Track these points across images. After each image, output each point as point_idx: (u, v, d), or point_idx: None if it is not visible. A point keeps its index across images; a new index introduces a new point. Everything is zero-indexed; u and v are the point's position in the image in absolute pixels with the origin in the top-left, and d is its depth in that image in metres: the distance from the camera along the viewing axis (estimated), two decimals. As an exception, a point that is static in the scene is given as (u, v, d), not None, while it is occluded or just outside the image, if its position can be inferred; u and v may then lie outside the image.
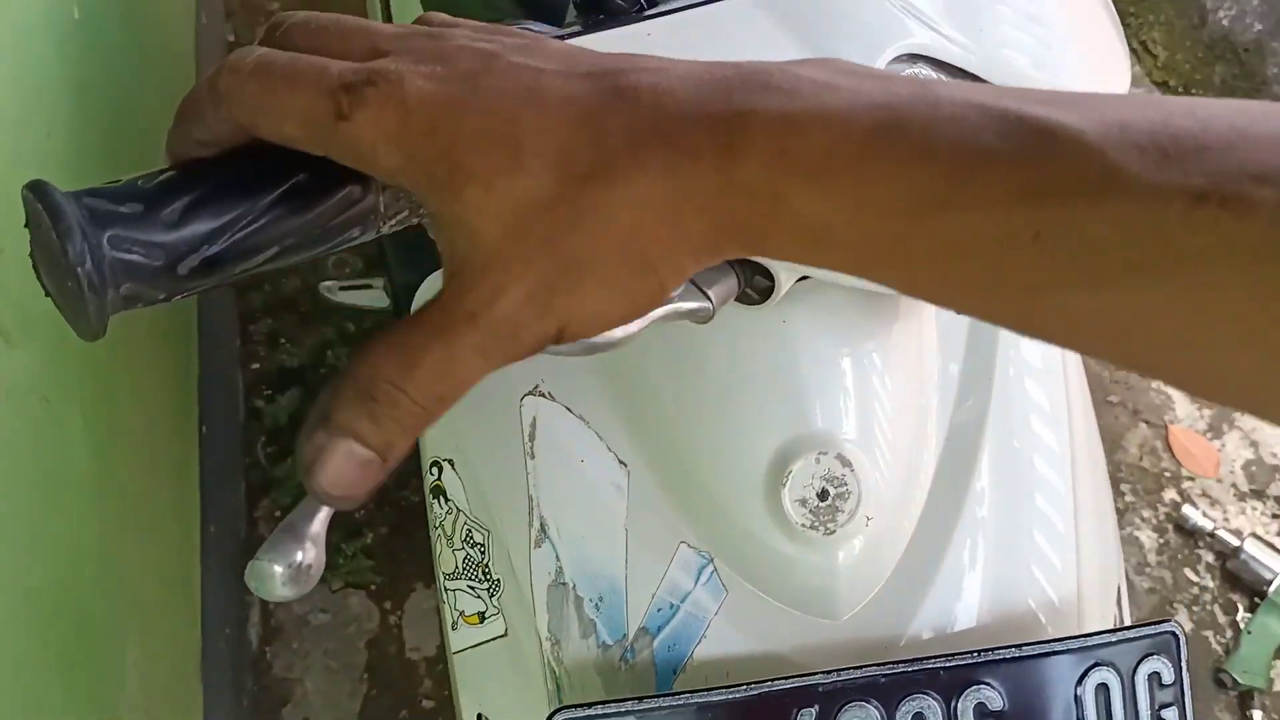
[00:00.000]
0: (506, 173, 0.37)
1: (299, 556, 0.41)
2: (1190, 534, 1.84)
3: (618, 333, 0.46)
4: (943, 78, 0.61)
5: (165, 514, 1.40)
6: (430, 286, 0.77)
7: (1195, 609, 1.81)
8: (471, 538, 0.72)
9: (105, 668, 1.08)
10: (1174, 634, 0.67)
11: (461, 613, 0.72)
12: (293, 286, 2.06)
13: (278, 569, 0.40)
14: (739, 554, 0.68)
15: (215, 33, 2.24)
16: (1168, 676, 0.66)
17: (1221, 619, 1.79)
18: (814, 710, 0.63)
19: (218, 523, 1.59)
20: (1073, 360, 0.77)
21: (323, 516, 0.42)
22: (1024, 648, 0.65)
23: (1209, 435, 1.99)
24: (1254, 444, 1.98)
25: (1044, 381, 0.74)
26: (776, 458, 0.66)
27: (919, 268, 0.37)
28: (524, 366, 0.72)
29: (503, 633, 0.71)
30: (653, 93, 0.38)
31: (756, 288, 0.58)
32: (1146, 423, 2.00)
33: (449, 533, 0.73)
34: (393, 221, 0.47)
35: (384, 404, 0.37)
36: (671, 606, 0.68)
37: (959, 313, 0.41)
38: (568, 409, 0.71)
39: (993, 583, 0.70)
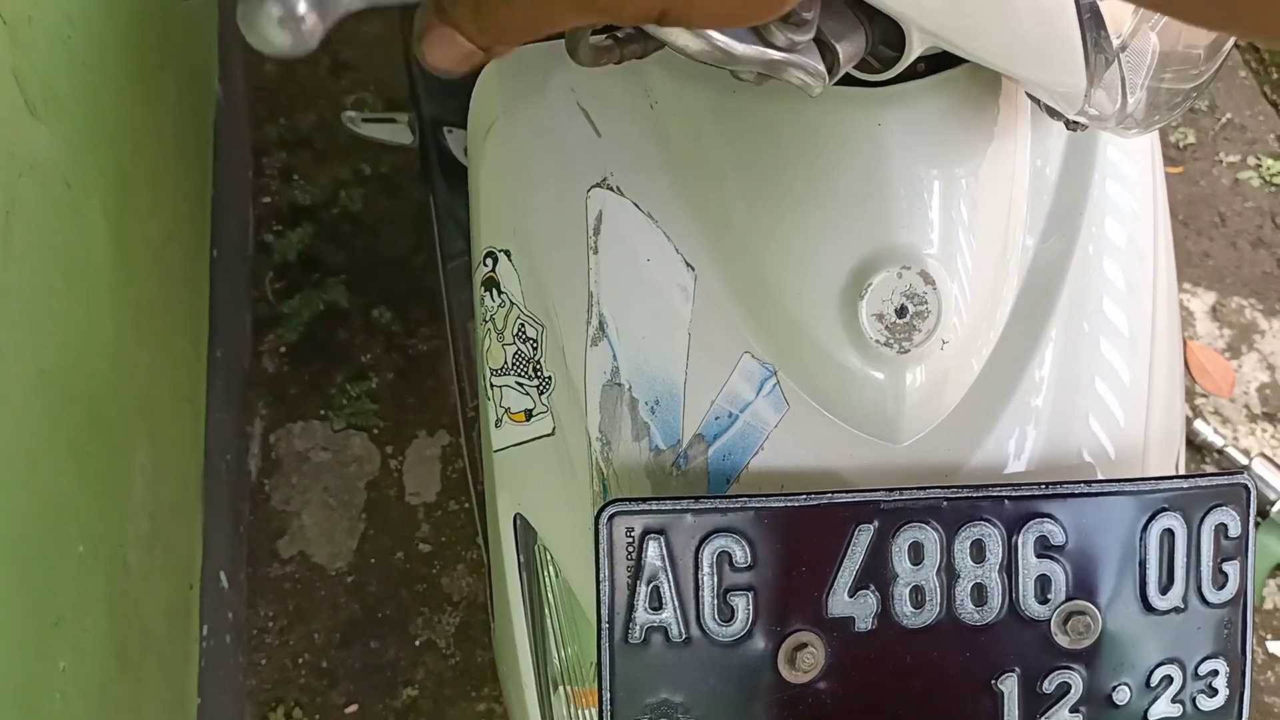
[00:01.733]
0: None
1: (301, 7, 0.35)
2: (1199, 449, 1.83)
3: (721, 40, 0.42)
4: None
5: (177, 328, 1.37)
6: (490, 75, 0.73)
7: (1195, 523, 1.81)
8: (524, 332, 0.69)
9: (114, 464, 1.06)
10: (1245, 486, 0.65)
11: (508, 409, 0.70)
12: (309, 123, 2.00)
13: (272, 7, 0.35)
14: (805, 368, 0.65)
15: None
16: (1234, 529, 0.64)
17: (1221, 534, 1.79)
18: (872, 527, 0.61)
19: (225, 349, 1.56)
20: (1162, 206, 0.74)
21: None
22: (1092, 484, 0.63)
23: (1227, 355, 1.97)
24: (1271, 368, 1.97)
25: (1132, 226, 0.71)
26: (857, 268, 0.63)
27: None
28: (593, 156, 0.68)
29: (550, 431, 0.68)
30: None
31: (880, 57, 0.54)
32: (1165, 337, 1.98)
33: (500, 326, 0.70)
34: None
35: (487, 11, 0.37)
36: (730, 415, 0.65)
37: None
38: (636, 205, 0.67)
39: (1059, 425, 0.68)
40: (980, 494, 0.62)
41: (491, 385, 0.71)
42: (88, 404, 1.00)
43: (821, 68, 0.47)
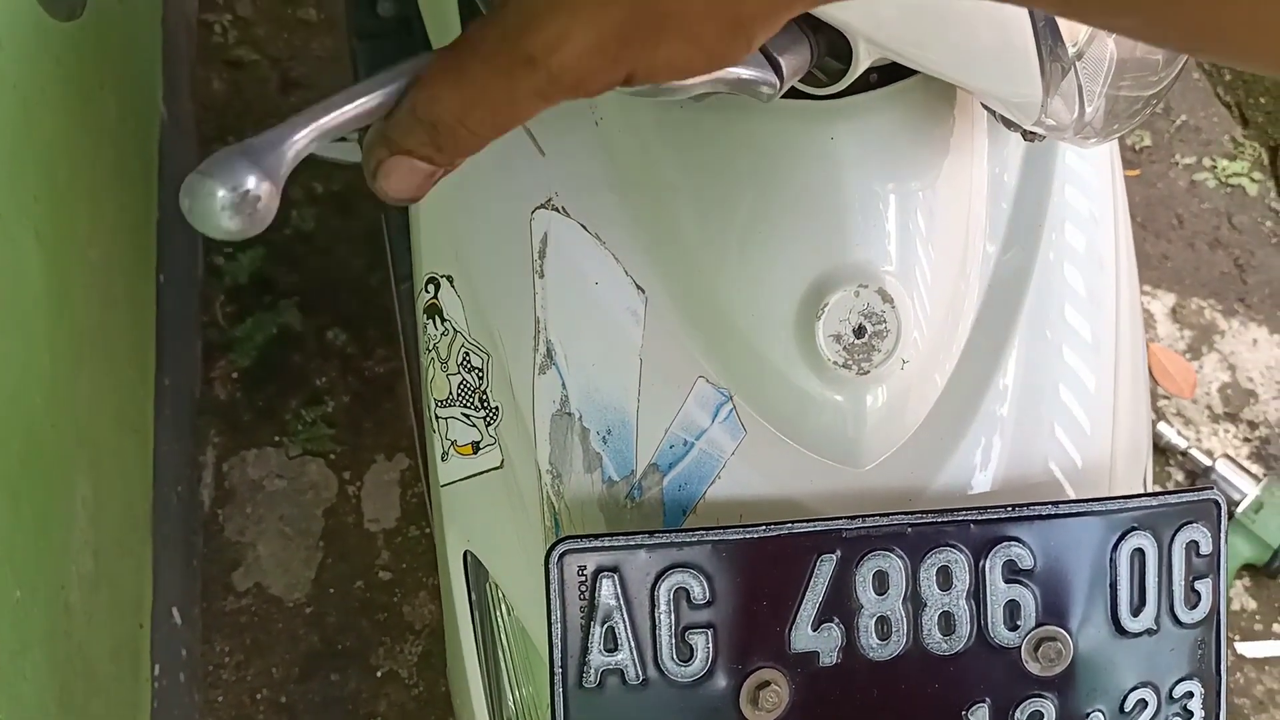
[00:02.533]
0: None
1: (250, 184, 0.33)
2: (1163, 451, 1.83)
3: (686, 81, 0.40)
4: None
5: (120, 355, 1.33)
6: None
7: (1162, 526, 1.80)
8: (469, 361, 0.66)
9: (53, 501, 1.02)
10: (1215, 502, 0.63)
11: (454, 442, 0.67)
12: (260, 142, 1.96)
13: (220, 191, 0.32)
14: (761, 392, 0.63)
15: None
16: (1205, 546, 0.63)
17: (1188, 536, 1.78)
18: (835, 556, 0.59)
19: (173, 376, 1.52)
20: (1122, 212, 0.72)
21: (292, 152, 0.35)
22: (1060, 505, 0.61)
23: (1188, 356, 1.97)
24: (1231, 367, 1.97)
25: (1093, 234, 0.69)
26: (813, 287, 0.61)
27: None
28: (537, 177, 0.66)
29: (498, 464, 0.66)
30: None
31: (827, 69, 0.52)
32: (1127, 340, 1.98)
33: (444, 355, 0.67)
34: None
35: (444, 133, 0.36)
36: (685, 444, 0.63)
37: (1112, 26, 0.35)
38: (582, 226, 0.65)
39: (1024, 441, 0.66)
40: (945, 519, 0.60)
41: (437, 417, 0.68)
42: (23, 439, 0.97)
43: (773, 77, 0.45)
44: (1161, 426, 1.84)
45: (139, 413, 1.38)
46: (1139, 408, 0.71)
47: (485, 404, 0.66)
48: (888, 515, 0.59)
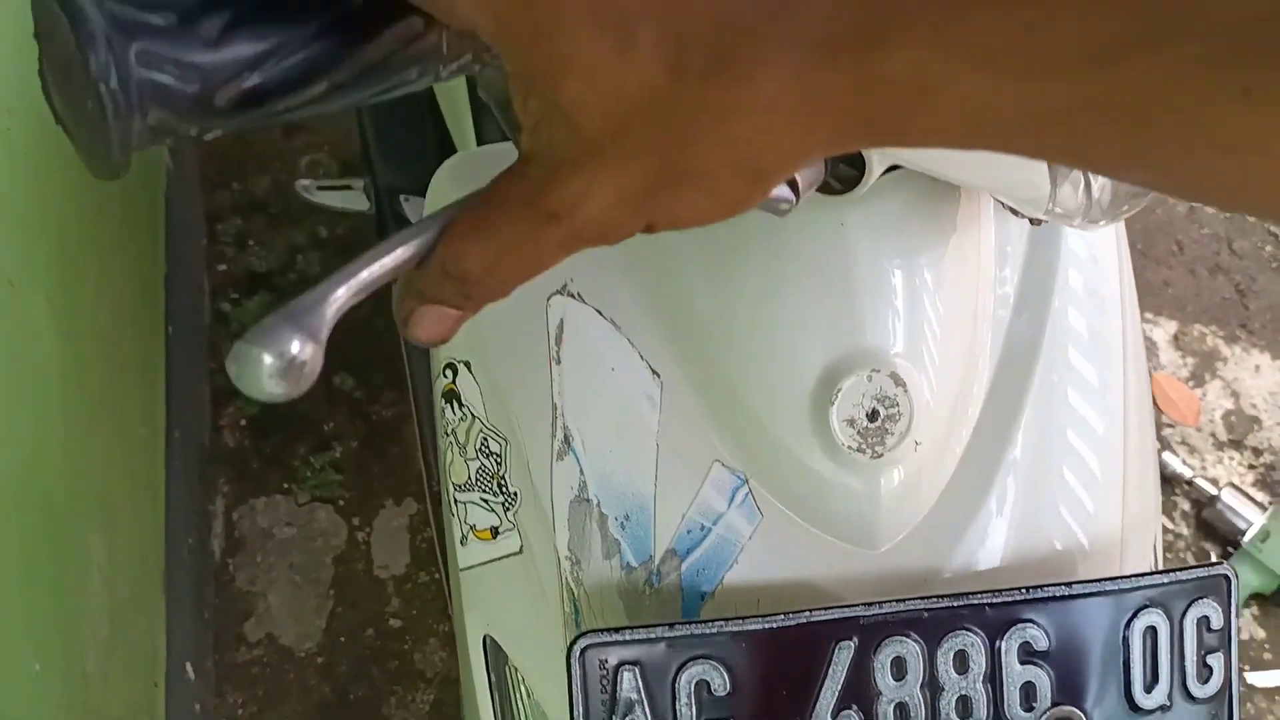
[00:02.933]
0: (613, 65, 0.32)
1: (294, 348, 0.34)
2: (1168, 480, 1.83)
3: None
4: None
5: (131, 413, 1.34)
6: (448, 174, 0.71)
7: (1169, 556, 1.81)
8: (487, 447, 0.67)
9: (68, 564, 1.03)
10: (1226, 577, 0.64)
11: (473, 527, 0.68)
12: (263, 186, 1.98)
13: (267, 358, 0.34)
14: (776, 475, 0.64)
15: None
16: (1216, 621, 0.63)
17: (1195, 567, 1.79)
18: (853, 643, 0.59)
19: (182, 428, 1.53)
20: (1128, 283, 0.73)
21: (332, 311, 0.36)
22: (1074, 585, 0.61)
23: (1191, 384, 1.98)
24: (1235, 394, 1.98)
25: (1100, 308, 0.70)
26: (825, 373, 0.62)
27: (1095, 133, 0.32)
28: (551, 265, 0.66)
29: (517, 549, 0.66)
30: None
31: (840, 176, 0.53)
32: (1130, 369, 1.99)
33: (462, 441, 0.68)
34: (454, 66, 0.42)
35: (473, 285, 0.38)
36: (703, 529, 0.64)
37: (1123, 178, 0.37)
38: (598, 311, 0.66)
39: (1037, 519, 0.66)
40: (961, 603, 0.60)
41: (456, 501, 0.68)
42: (39, 510, 0.97)
43: (790, 195, 0.46)
44: (1166, 456, 1.85)
45: (150, 468, 1.39)
46: (1148, 485, 0.71)
47: (504, 489, 0.66)
48: (904, 601, 0.60)
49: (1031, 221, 0.62)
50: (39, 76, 0.37)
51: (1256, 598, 1.71)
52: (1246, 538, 1.70)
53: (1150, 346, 2.00)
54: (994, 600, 0.61)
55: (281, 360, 0.33)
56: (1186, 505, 1.84)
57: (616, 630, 0.57)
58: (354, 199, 1.59)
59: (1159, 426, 1.93)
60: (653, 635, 0.58)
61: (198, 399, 1.68)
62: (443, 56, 0.40)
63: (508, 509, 0.66)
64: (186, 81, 0.34)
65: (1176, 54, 0.30)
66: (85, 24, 0.32)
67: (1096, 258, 0.70)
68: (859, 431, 0.62)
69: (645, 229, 0.37)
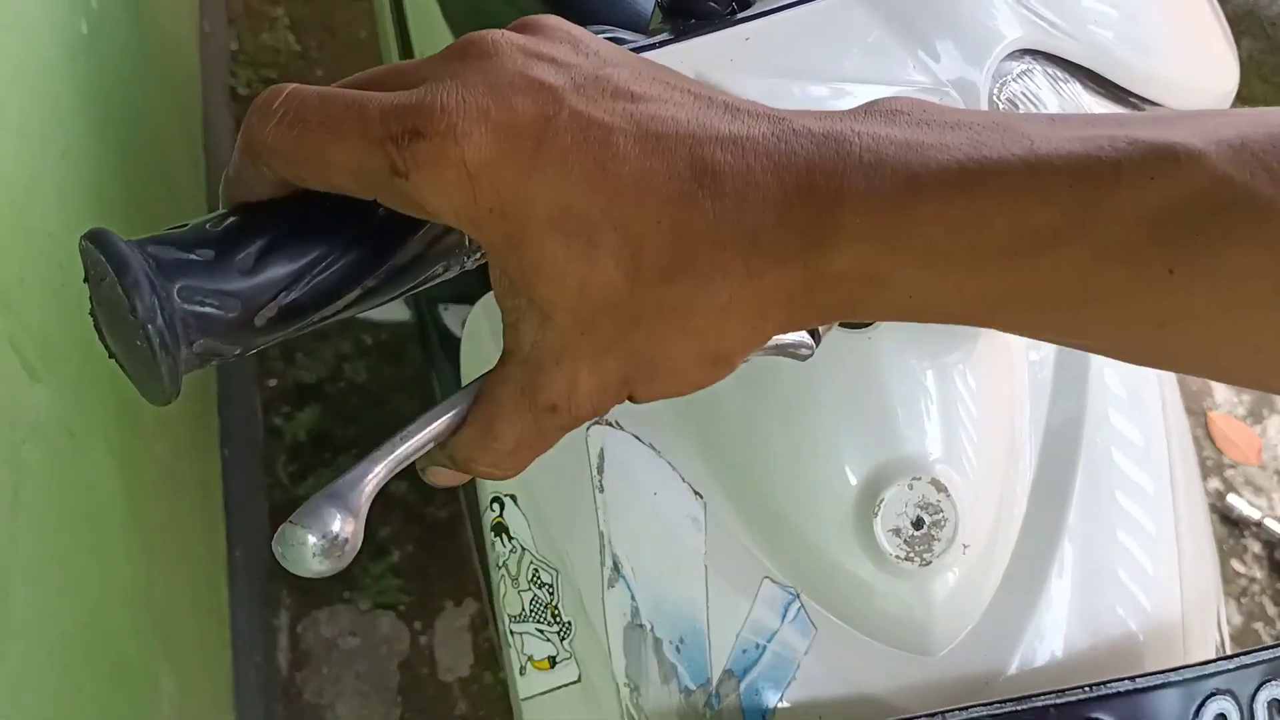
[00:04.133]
0: (578, 270, 0.36)
1: (336, 526, 0.36)
2: (1236, 524, 1.80)
3: None
4: (1055, 73, 0.56)
5: (193, 541, 1.36)
6: (483, 314, 0.73)
7: (1244, 600, 1.77)
8: (539, 578, 0.68)
9: (140, 706, 1.04)
10: (1293, 661, 0.63)
11: (530, 657, 0.68)
12: (308, 299, 2.01)
13: (311, 538, 0.35)
14: (827, 588, 0.64)
15: (219, 41, 2.20)
16: (1290, 704, 0.62)
17: (1271, 610, 1.75)
18: (918, 756, 0.59)
19: (243, 546, 1.55)
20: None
21: (370, 487, 0.38)
22: (1138, 679, 0.61)
23: (1249, 421, 1.95)
24: (1295, 430, 1.94)
25: (1139, 381, 0.70)
26: (866, 485, 0.62)
27: (1035, 313, 0.35)
28: (588, 394, 0.68)
29: (576, 678, 0.67)
30: (734, 178, 0.35)
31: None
32: (1186, 410, 1.96)
33: (514, 573, 0.69)
34: (478, 255, 0.44)
35: (487, 471, 0.42)
36: (758, 647, 0.64)
37: (1071, 345, 0.39)
38: (636, 438, 0.67)
39: (1093, 612, 0.66)
40: (1024, 705, 0.60)
41: (512, 632, 0.69)
42: (109, 656, 0.99)
43: (810, 341, 0.47)
44: (1231, 498, 1.82)
45: (213, 591, 1.41)
46: (1205, 559, 0.71)
47: (558, 619, 0.67)
48: (966, 709, 0.60)
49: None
50: (90, 316, 0.39)
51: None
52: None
53: (1204, 386, 1.98)
54: (1058, 701, 0.60)
55: (325, 539, 0.35)
56: (1258, 547, 1.81)
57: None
58: (395, 309, 1.63)
59: (1221, 469, 1.90)
60: (716, 756, 0.58)
61: (257, 516, 1.71)
62: (465, 249, 0.42)
63: (563, 638, 0.67)
64: (227, 309, 0.36)
65: (1101, 240, 0.32)
66: (129, 271, 0.34)
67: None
68: (905, 540, 0.62)
69: (630, 399, 0.40)
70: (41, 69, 1.06)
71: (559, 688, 0.67)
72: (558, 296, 0.36)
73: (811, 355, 0.47)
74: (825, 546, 0.63)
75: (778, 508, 0.64)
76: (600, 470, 0.66)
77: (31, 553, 0.86)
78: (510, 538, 0.69)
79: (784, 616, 0.64)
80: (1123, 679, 0.61)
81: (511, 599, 0.69)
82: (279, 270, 0.37)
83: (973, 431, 0.64)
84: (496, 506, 0.70)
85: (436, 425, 0.40)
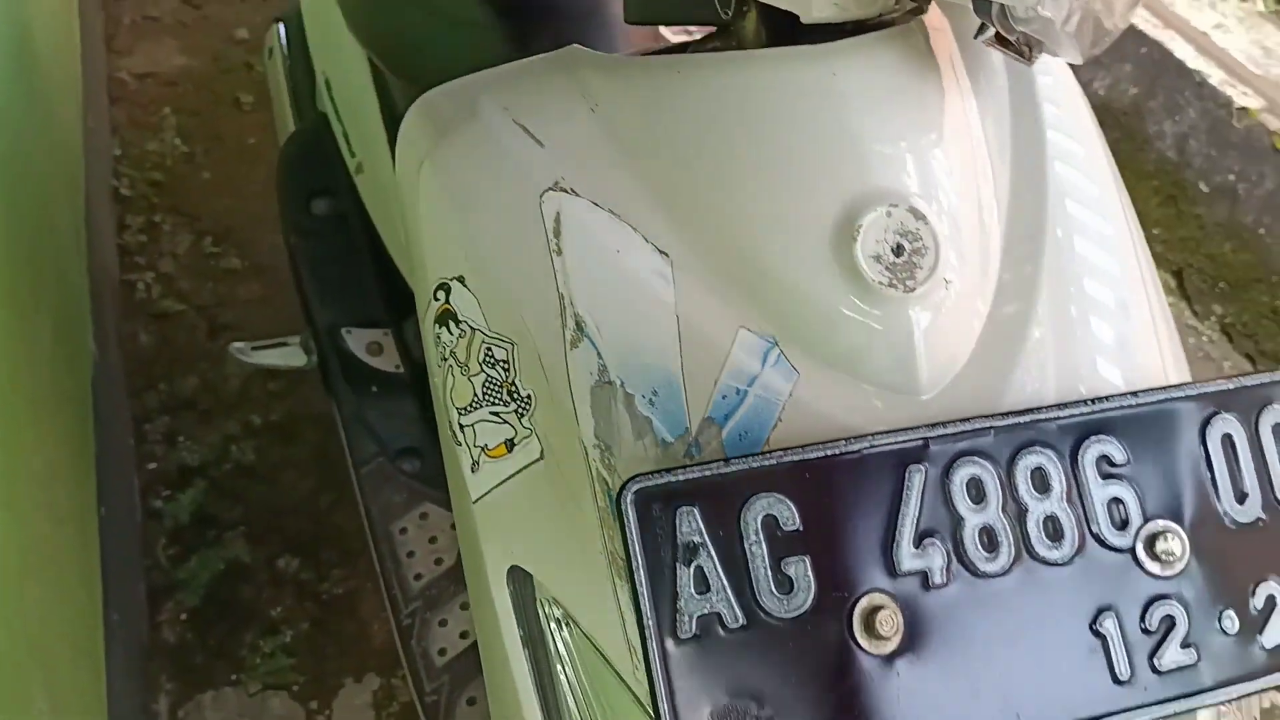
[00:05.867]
0: None
1: None
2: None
3: None
4: None
5: (68, 575, 1.23)
6: (427, 106, 0.69)
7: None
8: (492, 356, 0.62)
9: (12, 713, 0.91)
10: (1288, 385, 0.60)
11: (484, 448, 0.62)
12: (191, 385, 1.92)
13: None
14: (807, 331, 0.60)
15: (102, 140, 2.16)
16: (1292, 429, 0.60)
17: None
18: (924, 467, 0.54)
19: (120, 612, 1.41)
20: (1103, 140, 0.73)
21: None
22: (1140, 394, 0.58)
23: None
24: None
25: (1087, 149, 0.70)
26: (843, 214, 0.59)
27: None
28: (540, 165, 0.64)
29: (538, 456, 0.60)
30: None
31: None
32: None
33: (463, 359, 0.63)
34: None
35: None
36: (739, 392, 0.59)
37: None
38: (594, 203, 0.63)
39: (1078, 359, 0.63)
40: (1028, 419, 0.56)
41: (460, 427, 0.63)
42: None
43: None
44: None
45: (90, 639, 1.27)
46: (1169, 320, 0.69)
47: (515, 395, 0.61)
48: (969, 421, 0.55)
49: (1017, 46, 0.62)
50: None
51: None
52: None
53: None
54: (1060, 415, 0.57)
55: None
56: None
57: (668, 471, 0.52)
58: (291, 355, 1.55)
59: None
60: (708, 473, 0.52)
61: (134, 592, 1.57)
62: None
63: (521, 415, 0.61)
64: None
65: None
66: None
67: (1067, 103, 0.71)
68: (887, 267, 0.59)
69: None
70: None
71: (518, 472, 0.61)
72: None
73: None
74: (806, 284, 0.59)
75: (754, 253, 0.60)
76: (557, 234, 0.62)
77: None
78: (458, 323, 0.63)
79: (764, 362, 0.59)
80: (1124, 394, 0.58)
81: (461, 388, 0.63)
82: None
83: (943, 172, 0.62)
84: (441, 294, 0.64)
85: None
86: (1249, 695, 0.55)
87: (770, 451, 0.53)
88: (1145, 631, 0.55)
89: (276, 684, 1.55)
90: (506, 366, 0.62)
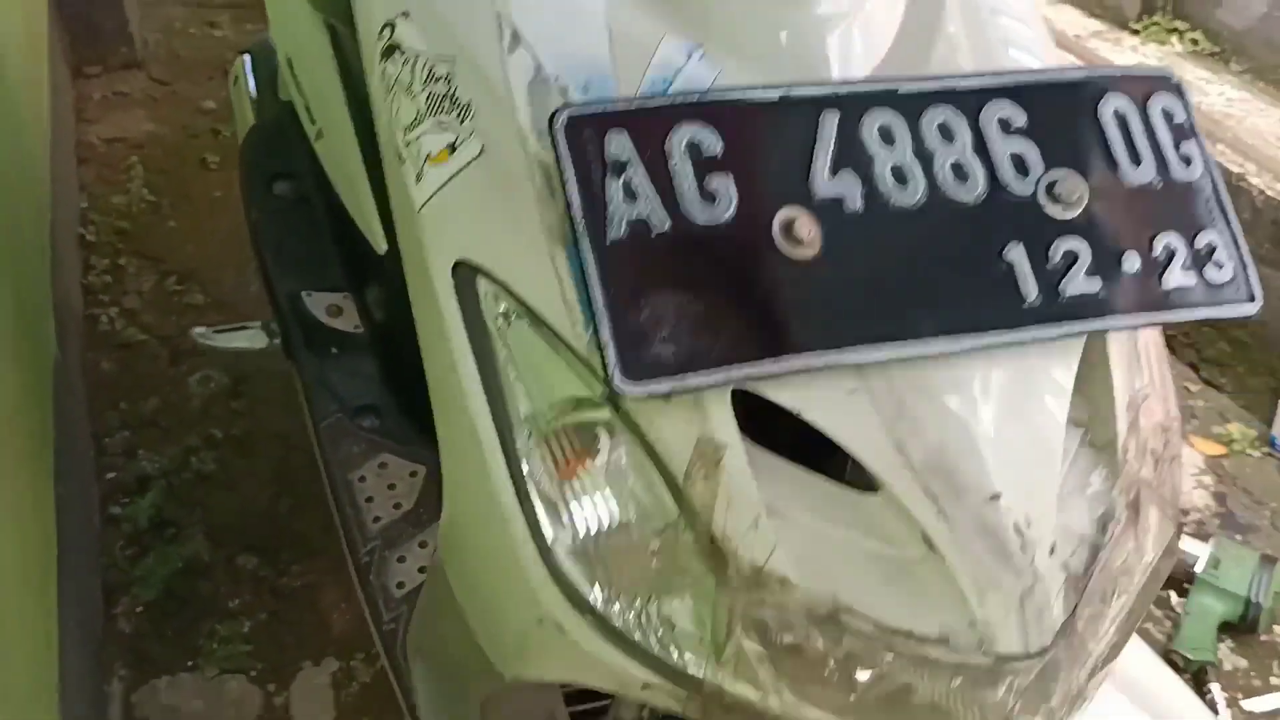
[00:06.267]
0: None
1: None
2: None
3: None
4: None
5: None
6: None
7: (1130, 617, 1.75)
8: (434, 73, 0.66)
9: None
10: (1171, 80, 0.66)
11: (428, 156, 0.65)
12: (153, 406, 1.92)
13: None
14: (729, 38, 0.64)
15: (69, 194, 2.20)
16: (1179, 115, 0.64)
17: (1156, 611, 1.72)
18: (837, 113, 0.58)
19: (75, 607, 1.39)
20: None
21: None
22: (1041, 72, 0.63)
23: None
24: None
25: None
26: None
27: None
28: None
29: (479, 152, 0.64)
30: None
31: None
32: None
33: (407, 82, 0.67)
34: None
35: None
36: (665, 81, 0.63)
37: None
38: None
39: (991, 44, 0.68)
40: (935, 85, 0.61)
41: (405, 145, 0.66)
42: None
43: None
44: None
45: (43, 631, 1.25)
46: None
47: (456, 103, 0.65)
48: (877, 80, 0.60)
49: None
50: None
51: (1228, 629, 1.65)
52: (1200, 567, 1.66)
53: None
54: (962, 83, 0.61)
55: None
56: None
57: (597, 102, 0.56)
58: (253, 337, 1.57)
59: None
60: (636, 105, 0.56)
61: (89, 592, 1.54)
62: None
63: (463, 119, 0.64)
64: None
65: None
66: None
67: None
68: (801, -27, 0.64)
69: None
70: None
71: (461, 169, 0.64)
72: None
73: None
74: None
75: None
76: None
77: None
78: (402, 51, 0.67)
79: (689, 58, 0.64)
80: (1020, 70, 0.63)
81: (406, 108, 0.66)
82: None
83: None
84: (387, 31, 0.69)
85: None
86: (1152, 326, 0.58)
87: (689, 92, 0.57)
88: (1049, 262, 0.58)
89: (234, 668, 1.52)
90: (448, 80, 0.66)
